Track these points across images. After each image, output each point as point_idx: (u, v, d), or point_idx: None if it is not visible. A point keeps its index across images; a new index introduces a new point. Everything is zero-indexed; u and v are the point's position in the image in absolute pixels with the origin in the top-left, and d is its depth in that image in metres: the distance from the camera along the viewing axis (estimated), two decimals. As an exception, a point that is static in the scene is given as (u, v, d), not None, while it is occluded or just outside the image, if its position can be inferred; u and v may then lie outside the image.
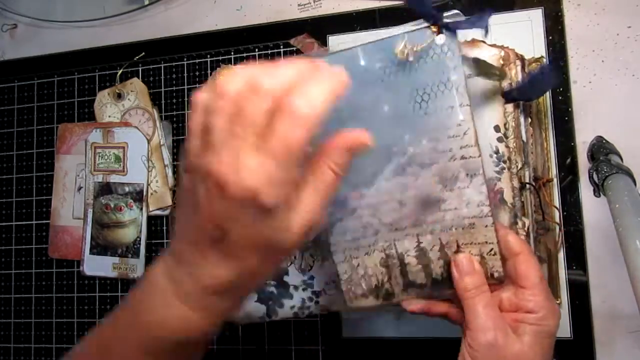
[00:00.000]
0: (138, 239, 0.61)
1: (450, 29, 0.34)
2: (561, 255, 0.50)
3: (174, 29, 0.64)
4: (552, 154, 0.51)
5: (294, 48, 0.58)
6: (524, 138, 0.46)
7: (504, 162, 0.43)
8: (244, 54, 0.60)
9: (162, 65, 0.63)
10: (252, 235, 0.28)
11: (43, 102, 0.68)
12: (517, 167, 0.44)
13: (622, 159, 0.47)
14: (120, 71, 0.64)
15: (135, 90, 0.63)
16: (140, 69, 0.64)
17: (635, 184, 0.43)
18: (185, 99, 0.62)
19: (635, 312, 0.35)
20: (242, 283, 0.30)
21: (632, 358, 0.48)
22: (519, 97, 0.44)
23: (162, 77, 0.63)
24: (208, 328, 0.31)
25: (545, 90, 0.47)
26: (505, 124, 0.44)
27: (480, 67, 0.35)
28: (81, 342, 0.35)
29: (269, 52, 0.60)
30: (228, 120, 0.27)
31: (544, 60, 0.51)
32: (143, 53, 0.64)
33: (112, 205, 0.62)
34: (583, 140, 0.50)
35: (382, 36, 0.34)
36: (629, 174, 0.43)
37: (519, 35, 0.52)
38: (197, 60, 0.62)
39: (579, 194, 0.50)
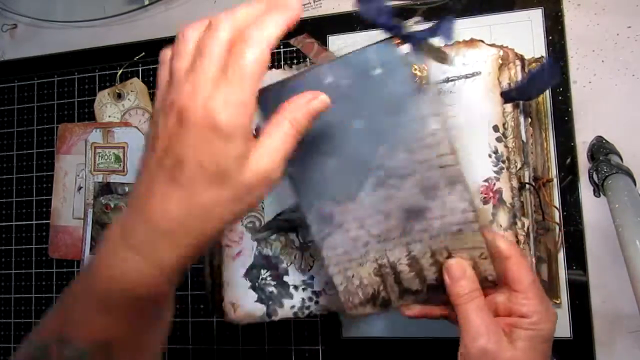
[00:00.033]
0: (138, 239, 0.61)
1: (413, 39, 0.33)
2: (561, 255, 0.50)
3: (174, 29, 0.62)
4: (552, 154, 0.51)
5: (294, 48, 0.58)
6: (524, 138, 0.46)
7: (503, 162, 0.43)
8: (244, 54, 0.60)
9: (162, 65, 0.63)
10: (206, 163, 0.28)
11: (43, 102, 0.68)
12: (516, 167, 0.44)
13: (622, 159, 0.47)
14: (120, 71, 0.64)
15: (135, 90, 0.63)
16: (140, 69, 0.64)
17: (635, 184, 0.43)
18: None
19: (635, 312, 0.35)
20: (192, 223, 0.30)
21: (632, 358, 0.48)
22: (518, 97, 0.44)
23: (162, 77, 0.63)
24: (161, 282, 0.30)
25: (545, 88, 0.47)
26: (504, 124, 0.44)
27: (431, 51, 0.35)
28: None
29: (269, 52, 0.60)
30: (190, 61, 0.29)
31: (544, 60, 0.51)
32: (143, 53, 0.64)
33: (113, 205, 0.62)
34: (583, 140, 0.50)
35: (379, 38, 0.34)
36: (628, 174, 0.43)
37: (518, 35, 0.52)
38: (197, 60, 0.62)
39: (579, 194, 0.50)
